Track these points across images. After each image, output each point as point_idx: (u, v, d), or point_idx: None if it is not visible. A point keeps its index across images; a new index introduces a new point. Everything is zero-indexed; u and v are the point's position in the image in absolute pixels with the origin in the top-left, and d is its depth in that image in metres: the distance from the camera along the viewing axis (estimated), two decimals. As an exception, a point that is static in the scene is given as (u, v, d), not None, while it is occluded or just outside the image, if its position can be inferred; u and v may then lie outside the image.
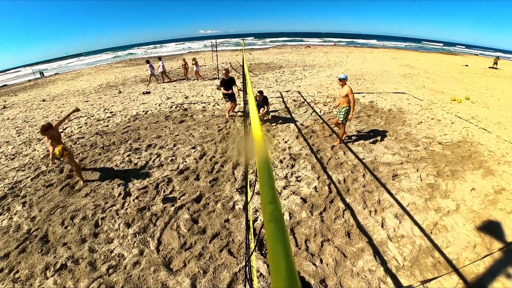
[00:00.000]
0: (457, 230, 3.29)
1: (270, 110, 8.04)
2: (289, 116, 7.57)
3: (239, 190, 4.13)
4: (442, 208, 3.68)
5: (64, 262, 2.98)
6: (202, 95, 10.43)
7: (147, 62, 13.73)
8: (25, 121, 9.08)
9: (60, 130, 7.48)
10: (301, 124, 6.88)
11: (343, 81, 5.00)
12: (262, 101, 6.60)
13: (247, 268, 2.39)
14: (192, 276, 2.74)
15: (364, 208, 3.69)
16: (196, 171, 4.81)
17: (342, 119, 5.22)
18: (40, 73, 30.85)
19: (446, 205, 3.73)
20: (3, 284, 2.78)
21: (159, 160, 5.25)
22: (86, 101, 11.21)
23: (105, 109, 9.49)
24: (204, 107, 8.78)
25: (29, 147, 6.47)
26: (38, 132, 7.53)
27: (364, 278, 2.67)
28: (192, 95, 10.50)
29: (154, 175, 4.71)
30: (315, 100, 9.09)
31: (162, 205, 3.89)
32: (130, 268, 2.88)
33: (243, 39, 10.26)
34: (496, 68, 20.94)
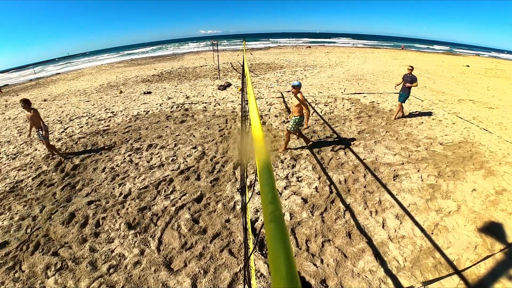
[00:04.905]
0: (458, 231, 3.28)
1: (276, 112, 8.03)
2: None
3: (240, 190, 4.13)
4: (443, 208, 3.67)
5: (65, 262, 2.99)
6: (203, 95, 10.44)
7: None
8: (26, 121, 9.10)
9: (61, 130, 7.50)
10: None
11: (296, 88, 4.65)
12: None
13: (245, 269, 2.39)
14: (193, 276, 2.74)
15: (365, 209, 3.69)
16: (197, 171, 4.81)
17: (290, 127, 4.93)
18: None
19: (447, 206, 3.72)
20: (4, 283, 2.79)
21: (160, 159, 5.26)
22: (87, 101, 11.24)
23: (106, 109, 9.51)
24: (205, 107, 8.79)
25: (31, 147, 6.49)
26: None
27: (364, 279, 2.67)
28: (193, 95, 10.52)
29: (155, 175, 4.72)
30: (316, 100, 9.08)
31: (163, 205, 3.90)
32: (131, 268, 2.88)
33: (244, 39, 10.27)
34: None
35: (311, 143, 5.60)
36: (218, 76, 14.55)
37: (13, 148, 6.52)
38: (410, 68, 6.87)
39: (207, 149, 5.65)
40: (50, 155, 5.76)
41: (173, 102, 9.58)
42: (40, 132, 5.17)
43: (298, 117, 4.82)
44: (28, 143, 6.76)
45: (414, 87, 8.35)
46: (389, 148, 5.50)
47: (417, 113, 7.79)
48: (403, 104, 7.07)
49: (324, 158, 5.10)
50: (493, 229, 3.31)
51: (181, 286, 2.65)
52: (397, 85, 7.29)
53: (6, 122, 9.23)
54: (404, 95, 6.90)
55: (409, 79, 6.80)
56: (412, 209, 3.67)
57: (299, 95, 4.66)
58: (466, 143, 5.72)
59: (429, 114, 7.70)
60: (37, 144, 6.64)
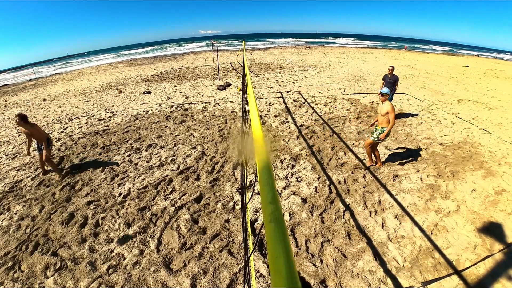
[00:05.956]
0: (457, 231, 3.29)
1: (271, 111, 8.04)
2: (289, 116, 7.57)
3: (240, 190, 4.13)
4: (442, 209, 3.68)
5: (64, 262, 2.98)
6: (202, 95, 10.43)
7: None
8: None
9: (61, 130, 7.49)
10: (301, 125, 6.88)
11: (384, 96, 4.29)
12: None
13: (245, 269, 2.39)
14: (192, 276, 2.74)
15: (365, 209, 3.69)
16: (197, 171, 4.81)
17: (375, 137, 4.43)
18: None
19: (446, 206, 3.72)
20: (3, 283, 2.78)
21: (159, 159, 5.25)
22: (87, 101, 11.23)
23: (106, 109, 9.50)
24: (204, 107, 8.78)
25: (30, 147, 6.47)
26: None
27: (364, 279, 2.67)
28: (192, 95, 10.51)
29: (155, 175, 4.71)
30: (315, 101, 9.09)
31: (162, 205, 3.89)
32: (130, 268, 2.88)
33: (243, 40, 10.28)
34: None
35: (374, 164, 4.83)
36: (217, 76, 14.55)
37: (12, 148, 6.50)
38: (390, 68, 6.68)
39: (207, 149, 5.64)
40: (42, 172, 5.02)
41: (173, 102, 9.58)
42: (40, 145, 4.68)
43: (386, 127, 4.34)
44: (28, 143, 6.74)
45: (414, 87, 8.32)
46: (389, 148, 5.50)
47: (417, 113, 7.79)
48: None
49: (324, 158, 5.10)
50: (492, 229, 3.31)
51: (181, 286, 2.64)
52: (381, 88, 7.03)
53: (5, 122, 9.21)
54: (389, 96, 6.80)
55: (391, 80, 6.63)
56: (411, 209, 3.67)
57: (387, 103, 4.25)
58: (466, 144, 5.72)
59: (428, 114, 7.71)
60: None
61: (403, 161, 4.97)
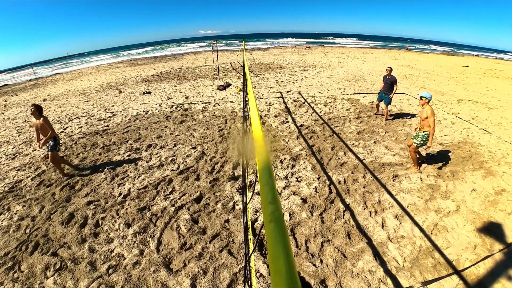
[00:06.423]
0: (457, 231, 3.29)
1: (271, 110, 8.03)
2: (289, 116, 7.57)
3: (239, 191, 4.13)
4: (442, 209, 3.68)
5: (64, 262, 2.98)
6: (202, 95, 10.43)
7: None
8: (25, 121, 9.09)
9: (60, 130, 7.49)
10: (301, 125, 6.88)
11: (424, 99, 4.27)
12: None
13: (245, 269, 2.39)
14: (192, 276, 2.74)
15: (364, 209, 3.69)
16: (197, 171, 4.81)
17: (417, 142, 4.41)
18: None
19: (446, 206, 3.72)
20: (3, 283, 2.78)
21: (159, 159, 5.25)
22: (87, 101, 11.23)
23: (106, 109, 9.50)
24: (204, 107, 8.78)
25: (30, 147, 6.48)
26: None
27: (364, 279, 2.67)
28: (192, 95, 10.51)
29: (155, 175, 4.71)
30: (315, 101, 9.09)
31: (162, 205, 3.89)
32: (130, 268, 2.88)
33: (243, 40, 10.28)
34: None
35: (419, 168, 4.69)
36: (217, 76, 14.55)
37: (12, 148, 6.50)
38: (388, 69, 6.75)
39: (207, 149, 5.64)
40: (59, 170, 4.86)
41: (173, 102, 9.58)
42: (50, 142, 4.56)
43: (428, 132, 4.28)
44: (27, 143, 6.75)
45: (413, 87, 8.31)
46: (389, 148, 5.50)
47: (416, 113, 7.79)
48: (388, 106, 6.99)
49: (324, 158, 5.10)
50: (492, 229, 3.31)
51: (181, 286, 2.64)
52: (381, 90, 7.04)
53: (5, 122, 9.20)
54: (386, 96, 6.84)
55: (389, 81, 6.72)
56: (411, 209, 3.67)
57: (428, 107, 4.23)
58: (466, 143, 5.73)
59: (428, 114, 7.69)
60: (36, 144, 6.62)
61: (403, 161, 4.97)
